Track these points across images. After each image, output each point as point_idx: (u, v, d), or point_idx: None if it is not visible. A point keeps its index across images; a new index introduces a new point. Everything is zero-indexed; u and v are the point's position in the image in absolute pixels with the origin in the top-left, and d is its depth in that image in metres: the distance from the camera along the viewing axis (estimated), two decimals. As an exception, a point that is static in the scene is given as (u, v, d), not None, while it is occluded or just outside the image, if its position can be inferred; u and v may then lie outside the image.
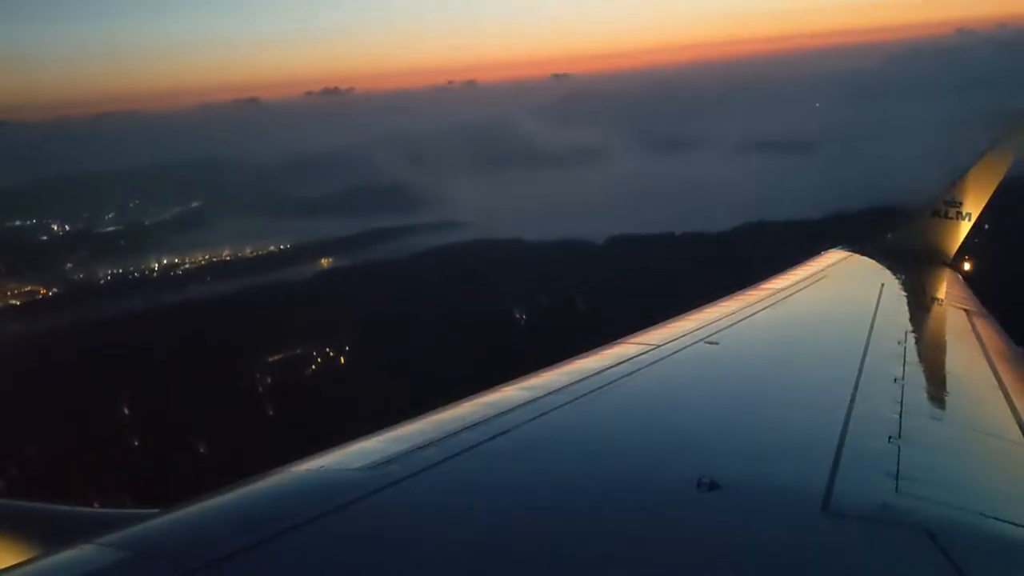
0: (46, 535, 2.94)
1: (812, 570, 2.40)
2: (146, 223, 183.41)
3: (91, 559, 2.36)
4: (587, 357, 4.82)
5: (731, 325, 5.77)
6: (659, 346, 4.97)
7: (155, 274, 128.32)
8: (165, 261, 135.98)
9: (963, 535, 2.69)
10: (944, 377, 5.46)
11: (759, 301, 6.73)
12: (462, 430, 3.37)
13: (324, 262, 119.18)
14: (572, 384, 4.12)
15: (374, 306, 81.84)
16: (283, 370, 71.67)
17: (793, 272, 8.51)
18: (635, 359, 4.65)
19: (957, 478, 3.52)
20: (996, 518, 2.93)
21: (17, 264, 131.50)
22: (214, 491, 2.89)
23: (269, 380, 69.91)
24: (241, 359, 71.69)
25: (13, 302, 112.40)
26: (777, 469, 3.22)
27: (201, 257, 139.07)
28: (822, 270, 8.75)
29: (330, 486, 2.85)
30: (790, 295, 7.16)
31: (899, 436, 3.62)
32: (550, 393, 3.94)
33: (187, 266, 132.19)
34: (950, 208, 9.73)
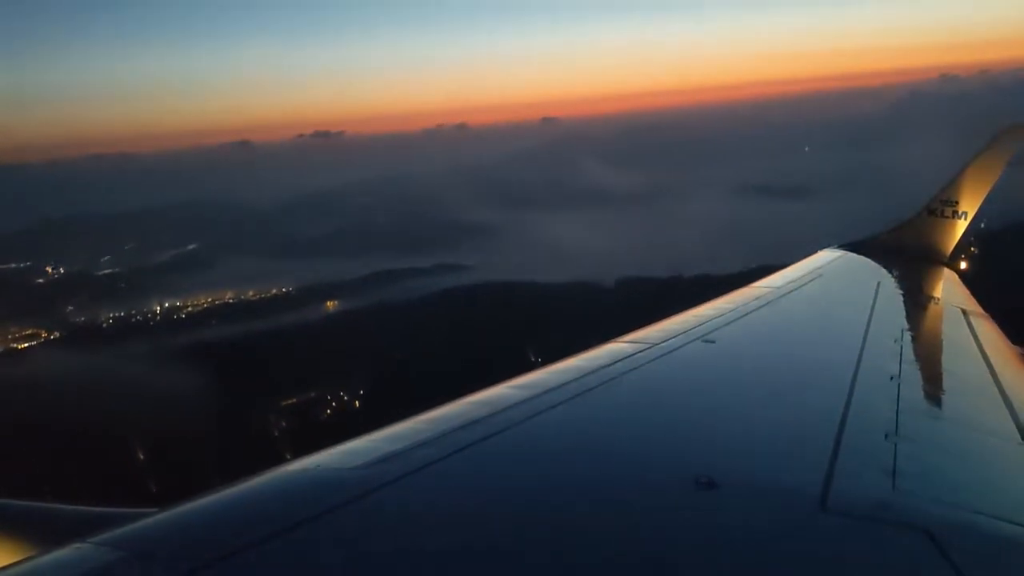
0: (46, 535, 2.85)
1: (809, 568, 2.41)
2: (144, 265, 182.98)
3: (89, 558, 2.33)
4: (582, 356, 4.74)
5: (727, 323, 5.71)
6: (655, 344, 4.91)
7: (158, 317, 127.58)
8: (167, 304, 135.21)
9: (961, 534, 2.66)
10: (941, 375, 5.40)
11: (755, 299, 6.68)
12: (458, 429, 3.34)
13: (329, 304, 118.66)
14: (568, 383, 4.04)
15: (385, 349, 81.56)
16: (297, 414, 70.98)
17: (789, 271, 8.47)
18: (631, 357, 4.59)
19: (955, 476, 3.49)
20: (994, 517, 2.91)
21: (15, 307, 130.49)
22: (211, 491, 2.83)
23: (284, 424, 69.21)
24: (255, 402, 71.04)
25: (14, 345, 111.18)
26: (774, 467, 3.22)
27: (204, 300, 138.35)
28: (818, 268, 8.63)
29: (326, 485, 2.80)
30: (786, 293, 7.10)
31: (896, 434, 3.60)
32: (546, 391, 3.88)
33: (190, 309, 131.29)
34: (946, 207, 9.65)
